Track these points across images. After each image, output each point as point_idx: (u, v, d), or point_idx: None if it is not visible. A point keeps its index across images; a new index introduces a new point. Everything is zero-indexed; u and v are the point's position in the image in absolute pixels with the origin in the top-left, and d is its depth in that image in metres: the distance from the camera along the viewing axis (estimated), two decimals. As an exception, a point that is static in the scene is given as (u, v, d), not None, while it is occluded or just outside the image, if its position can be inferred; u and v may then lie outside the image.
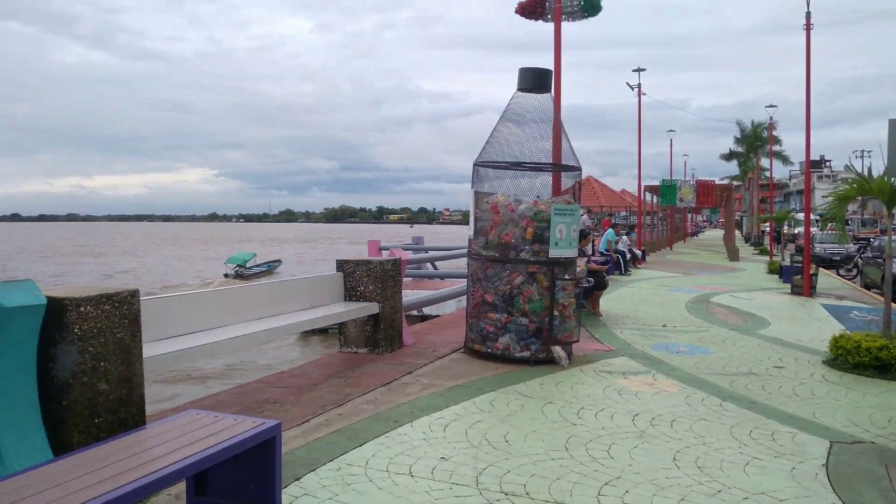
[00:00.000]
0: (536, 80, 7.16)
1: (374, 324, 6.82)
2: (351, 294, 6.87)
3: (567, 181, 7.59)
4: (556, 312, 6.78)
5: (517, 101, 7.23)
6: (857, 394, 5.96)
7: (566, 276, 6.88)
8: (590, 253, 20.03)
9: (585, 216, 20.85)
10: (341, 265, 6.95)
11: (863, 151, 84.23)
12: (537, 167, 7.20)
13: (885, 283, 7.12)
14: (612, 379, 6.23)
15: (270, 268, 39.87)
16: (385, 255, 12.90)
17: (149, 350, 4.07)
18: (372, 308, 6.72)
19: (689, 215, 63.43)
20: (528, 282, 6.76)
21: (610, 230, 19.67)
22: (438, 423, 4.70)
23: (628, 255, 19.44)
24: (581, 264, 9.47)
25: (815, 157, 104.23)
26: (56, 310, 3.51)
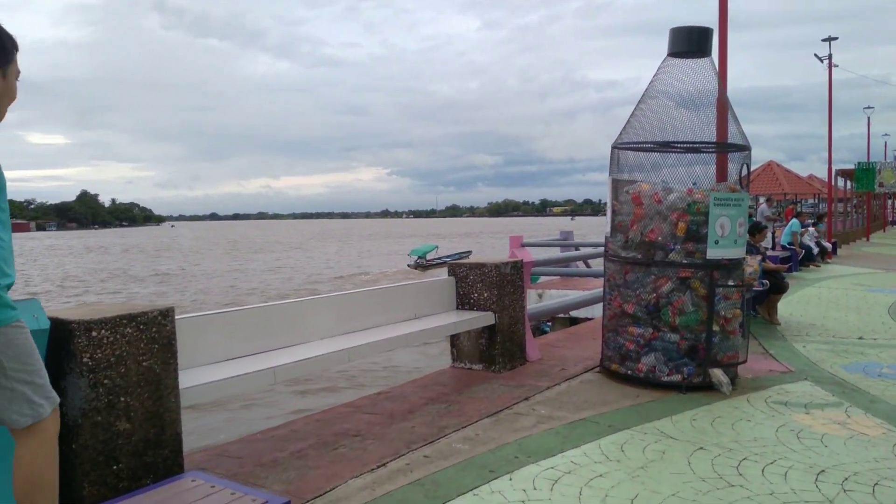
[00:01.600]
0: (693, 41, 5.81)
1: (490, 337, 5.87)
2: (464, 302, 5.98)
3: (733, 165, 6.17)
4: (715, 327, 5.45)
5: (668, 68, 5.92)
6: None
7: (730, 282, 5.52)
8: (767, 248, 17.70)
9: (764, 205, 18.47)
10: (453, 269, 6.08)
11: None
12: (692, 148, 5.86)
13: None
14: (790, 414, 4.83)
15: (460, 257, 41.10)
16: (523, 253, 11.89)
17: (188, 378, 3.43)
18: (486, 319, 5.78)
19: (890, 202, 55.91)
20: (680, 289, 5.49)
21: (794, 220, 17.22)
22: (546, 476, 3.67)
23: (815, 249, 16.89)
24: (754, 264, 7.92)
25: None
26: (62, 335, 2.94)
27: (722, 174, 6.14)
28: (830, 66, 18.20)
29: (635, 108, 5.92)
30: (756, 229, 8.54)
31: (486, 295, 5.88)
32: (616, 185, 5.96)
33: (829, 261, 18.82)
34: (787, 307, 10.07)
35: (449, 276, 6.06)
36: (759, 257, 8.09)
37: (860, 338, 7.73)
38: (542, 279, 15.79)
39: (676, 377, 5.43)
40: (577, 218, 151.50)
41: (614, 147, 5.97)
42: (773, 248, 16.72)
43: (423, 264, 38.67)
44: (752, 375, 5.95)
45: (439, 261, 39.39)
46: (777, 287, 8.36)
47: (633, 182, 5.89)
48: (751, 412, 4.88)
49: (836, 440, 4.29)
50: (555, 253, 13.00)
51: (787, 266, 8.68)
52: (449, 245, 59.60)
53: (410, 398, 5.14)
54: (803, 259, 15.98)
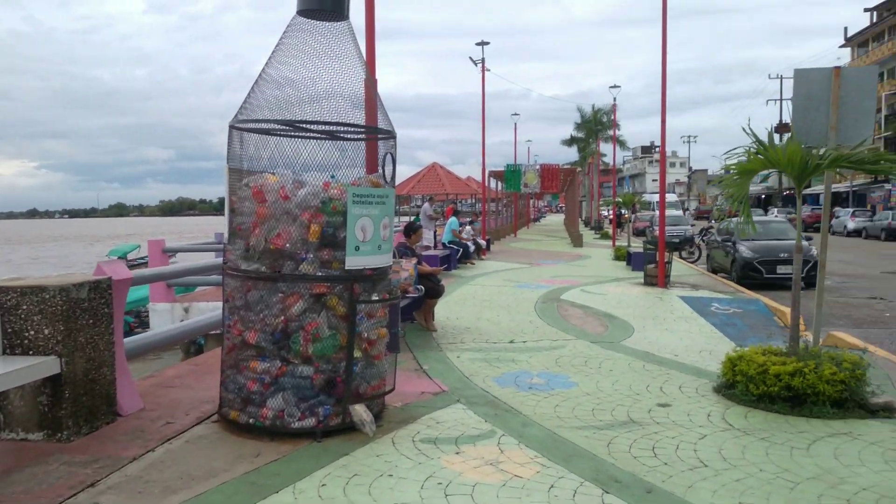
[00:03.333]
0: None
1: (54, 391, 4.13)
2: (14, 344, 4.14)
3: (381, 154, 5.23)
4: (357, 353, 4.46)
5: (297, 30, 4.71)
6: (782, 452, 4.16)
7: (374, 296, 4.58)
8: (429, 247, 18.03)
9: (427, 205, 18.80)
10: (-7, 295, 4.18)
11: (689, 136, 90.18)
12: (330, 132, 4.78)
13: (794, 284, 5.48)
14: (439, 457, 4.01)
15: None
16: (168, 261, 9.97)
17: None
18: (46, 367, 4.02)
19: (532, 201, 64.03)
20: (314, 309, 4.38)
21: (452, 219, 17.80)
22: None
23: (472, 247, 17.64)
24: (409, 268, 7.25)
25: (645, 143, 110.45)
26: None
27: (371, 165, 5.19)
28: (483, 69, 19.32)
29: (258, 78, 4.65)
30: (411, 230, 7.95)
31: (46, 332, 4.10)
32: (234, 177, 4.65)
33: (483, 257, 19.97)
34: (445, 309, 9.82)
35: (-14, 304, 4.14)
36: (414, 260, 7.47)
37: (511, 341, 7.55)
38: (201, 289, 13.89)
39: (310, 421, 4.31)
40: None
41: (232, 127, 4.65)
42: (436, 246, 17.05)
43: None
44: (402, 403, 5.12)
45: (142, 261, 34.56)
46: (433, 291, 7.87)
47: (256, 173, 4.62)
48: (395, 461, 3.95)
49: (488, 492, 3.54)
50: (195, 260, 11.20)
51: (443, 268, 8.24)
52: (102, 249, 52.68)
53: None
54: (461, 257, 16.50)
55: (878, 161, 5.18)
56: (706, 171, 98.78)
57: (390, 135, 4.82)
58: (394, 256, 7.71)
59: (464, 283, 13.26)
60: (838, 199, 51.83)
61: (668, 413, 5.00)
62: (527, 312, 9.67)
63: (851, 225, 29.57)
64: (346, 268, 4.36)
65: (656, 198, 47.43)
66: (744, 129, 5.99)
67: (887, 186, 36.65)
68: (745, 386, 5.29)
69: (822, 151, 5.48)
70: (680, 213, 42.30)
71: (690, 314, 9.81)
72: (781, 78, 56.75)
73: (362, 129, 4.75)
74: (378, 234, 4.51)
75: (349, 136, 4.82)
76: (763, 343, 6.72)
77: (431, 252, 15.48)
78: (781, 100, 55.98)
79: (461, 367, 6.33)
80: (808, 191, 54.20)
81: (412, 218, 17.91)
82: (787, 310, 10.34)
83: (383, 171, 4.64)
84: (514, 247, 25.73)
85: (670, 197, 49.45)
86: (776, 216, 27.05)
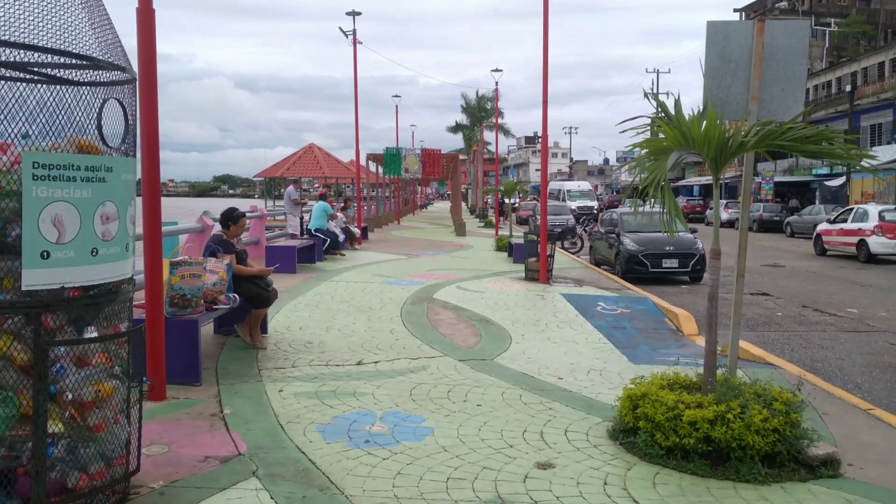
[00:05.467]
0: None
1: None
2: None
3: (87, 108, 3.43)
4: (55, 427, 2.69)
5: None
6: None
7: (91, 331, 2.81)
8: (294, 235, 16.05)
9: (291, 188, 16.78)
10: None
11: (570, 128, 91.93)
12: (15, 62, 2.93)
13: (712, 298, 4.17)
14: None
15: None
16: None
17: None
18: None
19: (419, 187, 62.70)
20: (-27, 355, 2.56)
21: (321, 202, 15.84)
22: None
23: (342, 236, 15.85)
24: (220, 269, 5.47)
25: (529, 133, 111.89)
26: None
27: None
28: (355, 40, 17.52)
29: None
30: (230, 218, 6.13)
31: None
32: None
33: (358, 247, 18.25)
34: (290, 314, 8.07)
35: None
36: (227, 259, 5.68)
37: (360, 362, 5.93)
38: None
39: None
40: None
41: None
42: (303, 234, 15.13)
43: None
44: (164, 483, 3.38)
45: None
46: (259, 299, 6.09)
47: None
48: None
49: None
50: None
51: (273, 268, 6.48)
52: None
53: None
54: (329, 247, 14.69)
55: (820, 141, 3.92)
56: (586, 161, 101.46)
57: (115, 71, 3.01)
58: (212, 255, 5.91)
59: (325, 278, 11.51)
60: (709, 191, 53.88)
61: (552, 481, 3.57)
62: (390, 318, 8.09)
63: (724, 216, 30.18)
64: (25, 287, 2.57)
65: (568, 185, 46.53)
66: (646, 95, 4.65)
67: (757, 179, 37.99)
68: (650, 435, 3.95)
69: (744, 129, 4.21)
70: (594, 203, 42.01)
71: (575, 317, 8.57)
72: (657, 72, 58.27)
73: (73, 59, 2.92)
74: (92, 230, 2.74)
75: (41, 69, 2.97)
76: (665, 364, 5.49)
77: (288, 243, 13.55)
78: (657, 94, 57.45)
79: (280, 408, 4.64)
80: (681, 183, 56.06)
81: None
82: (678, 310, 9.37)
83: (100, 129, 2.84)
84: (394, 235, 24.15)
85: (583, 185, 47.97)
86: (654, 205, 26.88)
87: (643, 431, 4.00)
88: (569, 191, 44.13)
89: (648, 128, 4.25)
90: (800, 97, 4.44)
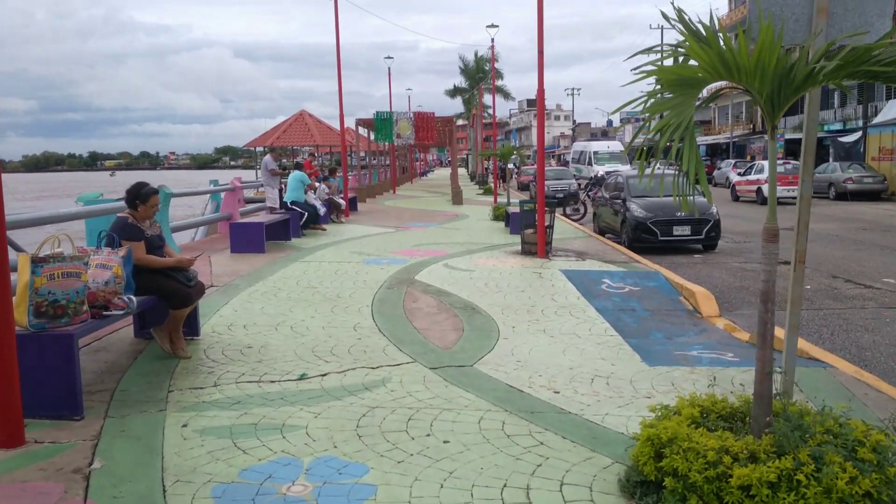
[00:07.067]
0: None
1: None
2: None
3: None
4: None
5: None
6: None
7: None
8: (273, 208, 14.72)
9: (269, 157, 15.42)
10: None
11: (573, 89, 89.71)
12: None
13: (766, 299, 2.91)
14: None
15: None
16: None
17: None
18: None
19: (418, 154, 61.08)
20: None
21: (296, 171, 14.51)
22: None
23: (322, 209, 14.57)
24: (114, 263, 4.23)
25: (531, 96, 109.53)
26: None
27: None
28: (336, 5, 16.02)
29: None
30: (138, 196, 4.83)
31: None
32: None
33: (344, 219, 16.98)
34: (242, 306, 6.85)
35: None
36: (123, 251, 4.42)
37: (303, 375, 4.71)
38: None
39: None
40: (118, 173, 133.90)
41: None
42: (281, 207, 13.84)
43: None
44: None
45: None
46: (179, 296, 4.83)
47: None
48: None
49: None
50: None
51: (195, 256, 5.21)
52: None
53: None
54: (307, 222, 13.42)
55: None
56: (589, 124, 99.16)
57: None
58: (109, 244, 4.66)
59: (296, 258, 10.26)
60: (718, 151, 52.08)
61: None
62: (358, 309, 6.86)
63: (734, 177, 28.73)
64: None
65: (595, 146, 39.36)
66: (663, 14, 3.32)
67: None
68: (680, 500, 2.73)
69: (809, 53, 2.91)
70: (627, 167, 37.02)
71: (576, 300, 7.34)
72: (662, 28, 56.05)
73: None
74: None
75: None
76: (687, 365, 4.26)
77: (253, 219, 12.17)
78: (662, 51, 55.05)
79: (174, 455, 3.42)
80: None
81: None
82: (695, 287, 8.10)
83: None
84: (387, 205, 22.85)
85: (613, 145, 40.51)
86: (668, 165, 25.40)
87: (670, 494, 2.78)
88: (595, 152, 38.46)
89: (671, 57, 2.94)
90: (887, 8, 3.12)
